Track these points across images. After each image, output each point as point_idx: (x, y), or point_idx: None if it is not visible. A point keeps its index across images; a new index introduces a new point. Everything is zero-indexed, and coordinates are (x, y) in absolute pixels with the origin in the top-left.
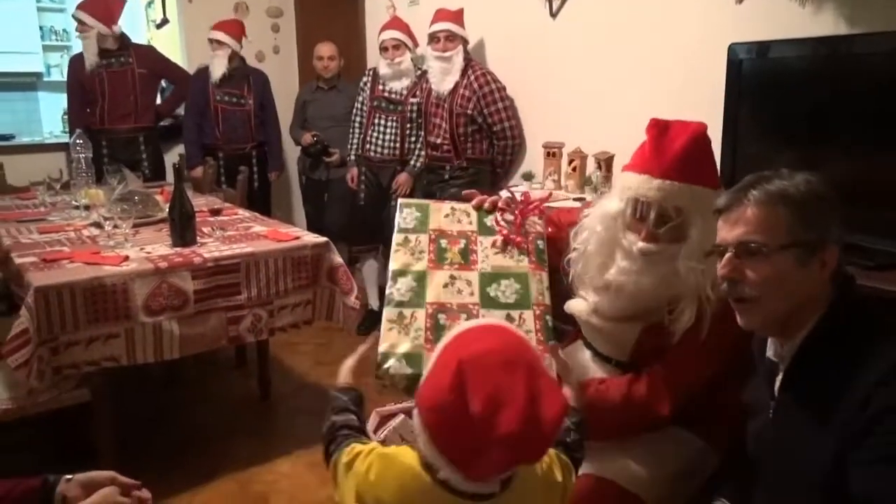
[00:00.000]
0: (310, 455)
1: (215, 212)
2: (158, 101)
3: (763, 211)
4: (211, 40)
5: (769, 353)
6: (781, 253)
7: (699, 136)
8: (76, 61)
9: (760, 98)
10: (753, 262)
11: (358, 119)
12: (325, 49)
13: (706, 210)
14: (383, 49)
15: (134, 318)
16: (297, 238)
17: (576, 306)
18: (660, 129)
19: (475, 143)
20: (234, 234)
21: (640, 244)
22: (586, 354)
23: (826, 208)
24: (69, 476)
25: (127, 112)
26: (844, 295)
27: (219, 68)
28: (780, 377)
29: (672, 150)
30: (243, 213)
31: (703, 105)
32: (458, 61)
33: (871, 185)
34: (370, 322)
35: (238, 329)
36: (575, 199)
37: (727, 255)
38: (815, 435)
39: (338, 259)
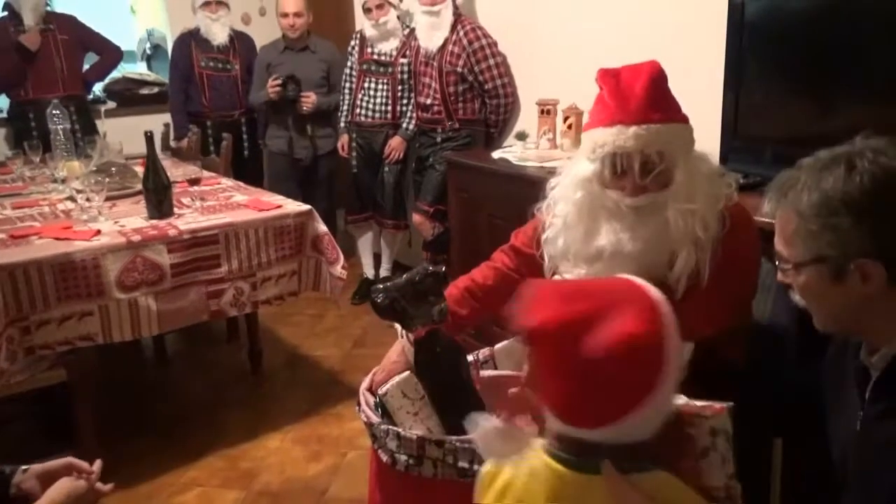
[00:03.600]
0: (299, 429)
1: (194, 181)
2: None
3: (784, 223)
4: (208, 2)
5: (862, 353)
6: (806, 269)
7: (657, 73)
8: None
9: (765, 43)
10: (789, 276)
11: (348, 85)
12: (290, 4)
13: (686, 147)
14: (366, 10)
15: (107, 295)
16: (279, 207)
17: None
18: (614, 77)
19: (466, 102)
20: (214, 205)
21: (628, 200)
22: None
23: (860, 218)
24: (25, 467)
25: (53, 79)
26: None
27: (220, 34)
28: (870, 386)
29: (635, 93)
30: (226, 181)
31: (704, 53)
32: (447, 16)
33: (884, 133)
34: (365, 291)
35: (219, 303)
36: (570, 159)
37: (777, 262)
38: None
39: (322, 228)
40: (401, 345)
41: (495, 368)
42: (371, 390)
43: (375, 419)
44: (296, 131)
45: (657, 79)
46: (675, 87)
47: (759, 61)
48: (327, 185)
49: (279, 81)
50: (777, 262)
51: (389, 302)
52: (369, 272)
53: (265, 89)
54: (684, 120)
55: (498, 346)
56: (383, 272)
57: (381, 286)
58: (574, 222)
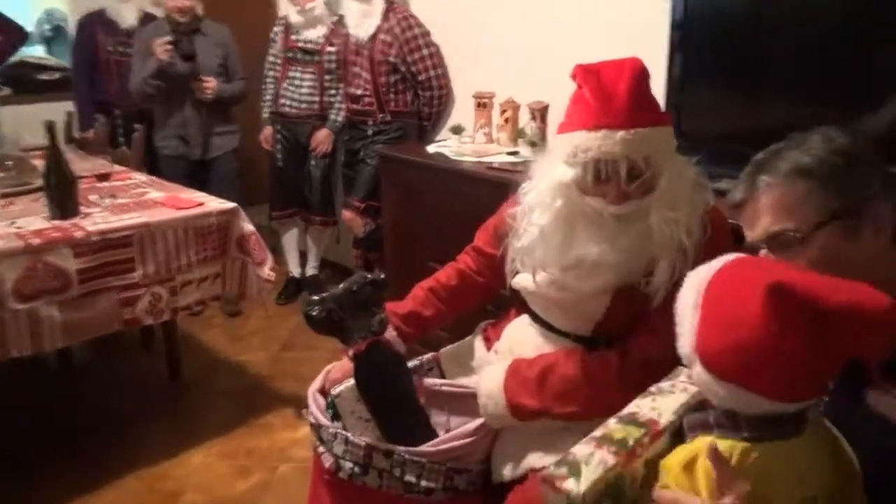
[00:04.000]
0: (225, 443)
1: (103, 177)
2: None
3: (781, 194)
4: None
5: None
6: (820, 232)
7: (639, 70)
8: None
9: (707, 41)
10: (793, 253)
11: (271, 73)
12: None
13: (670, 151)
14: None
15: (2, 306)
16: (201, 204)
17: (527, 280)
18: (594, 74)
19: (399, 94)
20: (127, 203)
21: (612, 208)
22: (534, 331)
23: (856, 163)
24: None
25: None
26: None
27: (129, 16)
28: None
29: (619, 93)
30: (139, 177)
31: (645, 48)
32: (378, 3)
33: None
34: (292, 290)
35: (134, 311)
36: (509, 154)
37: (762, 252)
38: None
39: (248, 227)
40: None
41: (441, 374)
42: (323, 391)
43: (325, 421)
44: (193, 126)
45: (641, 77)
46: None
47: (702, 60)
48: (231, 186)
49: (169, 38)
50: (769, 247)
51: (326, 314)
52: (295, 270)
53: (150, 62)
54: (668, 122)
55: (443, 350)
56: (310, 270)
57: (316, 297)
58: (551, 231)
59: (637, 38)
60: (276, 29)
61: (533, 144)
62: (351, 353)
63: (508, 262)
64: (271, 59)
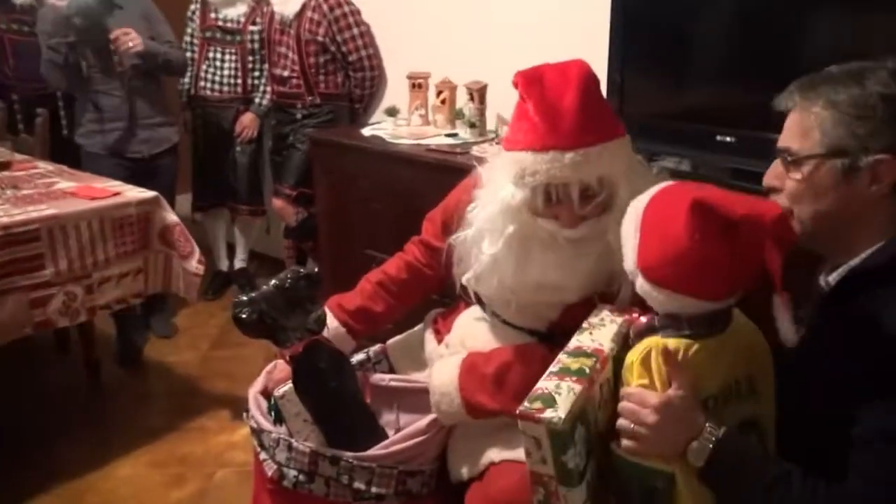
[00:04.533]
0: (155, 451)
1: (2, 166)
2: None
3: (800, 116)
4: None
5: (822, 279)
6: (815, 162)
7: (586, 77)
8: None
9: (652, 20)
10: (790, 171)
11: (188, 55)
12: None
13: (626, 164)
14: None
15: None
16: (117, 194)
17: (482, 288)
18: (538, 84)
19: (328, 75)
20: (31, 194)
21: (566, 232)
22: (486, 324)
23: (882, 112)
24: None
25: None
26: None
27: None
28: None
29: (566, 108)
30: (44, 165)
31: (588, 23)
32: None
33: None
34: (219, 284)
35: (46, 312)
36: (447, 136)
37: (774, 162)
38: (834, 368)
39: (172, 217)
40: None
41: (389, 366)
42: (265, 392)
43: (267, 425)
44: (122, 116)
45: (589, 86)
46: None
47: (646, 42)
48: (165, 185)
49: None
50: (778, 157)
51: (257, 316)
52: (223, 264)
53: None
54: (622, 132)
55: (391, 341)
56: (238, 263)
57: (245, 298)
58: (504, 256)
59: (580, 13)
60: (192, 7)
61: (472, 126)
62: (288, 355)
63: (456, 264)
64: (188, 38)
